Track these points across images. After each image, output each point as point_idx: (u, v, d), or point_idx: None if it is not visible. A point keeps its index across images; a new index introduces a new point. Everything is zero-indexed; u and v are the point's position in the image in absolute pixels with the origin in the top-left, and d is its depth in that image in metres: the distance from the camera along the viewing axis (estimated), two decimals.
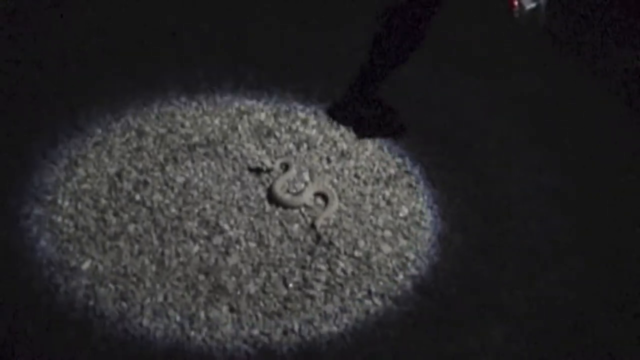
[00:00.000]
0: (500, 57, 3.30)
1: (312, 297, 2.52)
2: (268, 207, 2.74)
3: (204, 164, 2.84)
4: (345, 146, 2.94)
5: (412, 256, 2.66)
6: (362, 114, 3.04)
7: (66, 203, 2.70)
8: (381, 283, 2.58)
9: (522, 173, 2.92)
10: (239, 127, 2.96)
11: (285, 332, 2.44)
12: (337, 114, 3.03)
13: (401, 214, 2.76)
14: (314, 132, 2.97)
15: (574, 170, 2.93)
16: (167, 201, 2.73)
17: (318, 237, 2.68)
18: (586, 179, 2.90)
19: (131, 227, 2.64)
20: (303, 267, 2.59)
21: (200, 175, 2.81)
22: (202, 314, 2.46)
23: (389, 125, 3.02)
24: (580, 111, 3.12)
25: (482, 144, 3.00)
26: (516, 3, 2.68)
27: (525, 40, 3.32)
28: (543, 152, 2.99)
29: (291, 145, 2.92)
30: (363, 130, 2.99)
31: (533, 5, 2.69)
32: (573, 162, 2.94)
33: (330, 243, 2.65)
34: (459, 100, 3.15)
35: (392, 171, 2.89)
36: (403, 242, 2.69)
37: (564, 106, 3.14)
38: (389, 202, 2.79)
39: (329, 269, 2.59)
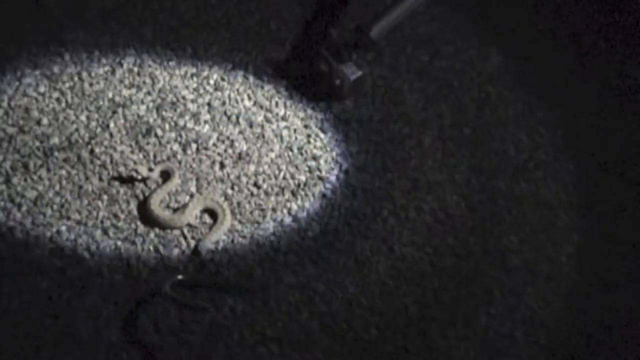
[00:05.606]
0: None
1: (190, 345, 2.00)
2: (141, 228, 2.18)
3: (63, 172, 2.25)
4: (244, 146, 2.35)
5: (321, 287, 2.12)
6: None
7: None
8: (279, 324, 2.05)
9: (464, 177, 2.38)
10: (111, 125, 2.34)
11: None
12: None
13: (310, 233, 2.22)
14: (206, 128, 2.37)
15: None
16: (11, 223, 2.15)
17: (202, 266, 2.14)
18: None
19: None
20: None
21: (57, 187, 2.22)
22: None
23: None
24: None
25: (418, 139, 2.43)
26: None
27: None
28: (493, 148, 2.46)
29: (176, 147, 2.32)
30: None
31: None
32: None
33: (218, 273, 2.13)
34: None
35: (302, 177, 2.31)
36: (311, 270, 2.15)
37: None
38: (295, 219, 2.25)
39: (214, 307, 2.07)
